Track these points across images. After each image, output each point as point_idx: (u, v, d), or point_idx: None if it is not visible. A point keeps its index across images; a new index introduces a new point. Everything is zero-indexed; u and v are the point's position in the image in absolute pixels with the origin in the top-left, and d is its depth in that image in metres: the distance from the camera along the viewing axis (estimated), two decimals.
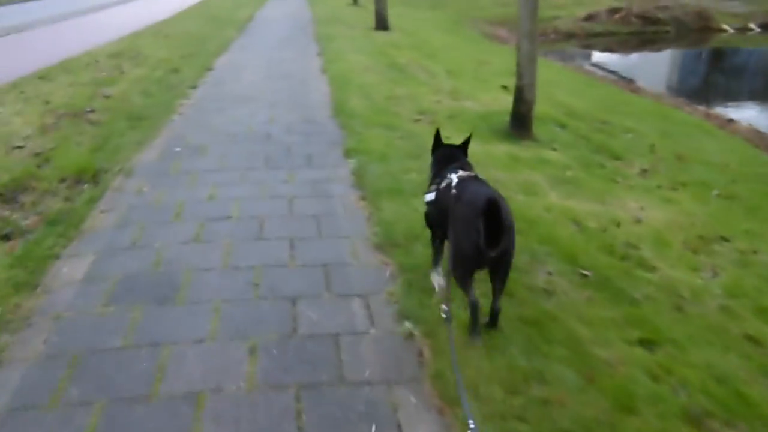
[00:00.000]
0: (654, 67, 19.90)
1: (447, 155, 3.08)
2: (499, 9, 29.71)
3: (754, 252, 4.07)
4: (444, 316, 2.53)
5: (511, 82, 6.48)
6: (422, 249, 3.43)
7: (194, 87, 8.06)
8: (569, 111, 7.63)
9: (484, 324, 2.72)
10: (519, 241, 2.81)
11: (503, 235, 2.40)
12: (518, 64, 6.01)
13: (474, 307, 2.60)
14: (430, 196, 2.96)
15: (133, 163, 5.08)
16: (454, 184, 2.70)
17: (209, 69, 9.38)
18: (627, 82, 12.77)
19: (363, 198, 4.38)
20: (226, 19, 16.70)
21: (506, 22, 27.63)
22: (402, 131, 6.04)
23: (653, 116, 8.37)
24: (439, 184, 2.88)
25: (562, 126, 6.92)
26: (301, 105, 7.07)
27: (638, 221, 4.31)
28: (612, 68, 16.40)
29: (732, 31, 25.76)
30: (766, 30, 25.57)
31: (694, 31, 25.60)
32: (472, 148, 3.21)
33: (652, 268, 3.59)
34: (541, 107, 6.56)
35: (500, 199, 2.51)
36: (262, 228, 3.84)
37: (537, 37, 5.91)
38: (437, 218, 2.92)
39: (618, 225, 4.18)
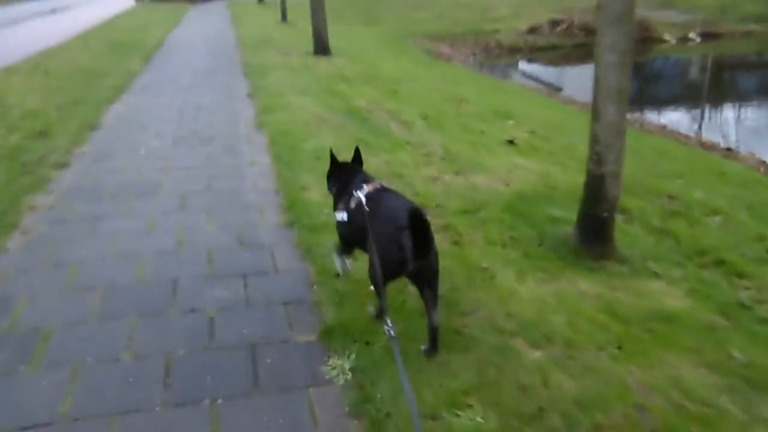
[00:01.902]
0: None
1: (345, 171, 2.99)
2: (435, 23, 28.06)
3: None
4: (388, 334, 2.26)
5: (512, 130, 4.17)
6: None
7: (63, 166, 5.27)
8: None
9: (424, 350, 2.68)
10: None
11: (430, 243, 2.44)
12: (595, 140, 3.65)
13: (381, 311, 2.61)
14: (342, 216, 2.85)
15: None
16: (364, 201, 2.65)
17: (94, 128, 6.55)
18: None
19: None
20: (130, 45, 13.69)
21: (445, 37, 26.07)
22: None
23: (709, 173, 6.26)
24: (348, 202, 2.79)
25: (625, 212, 4.63)
26: (231, 202, 4.46)
27: None
28: (544, 80, 16.12)
29: (674, 41, 25.39)
30: (706, 39, 25.39)
31: (637, 41, 25.16)
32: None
33: None
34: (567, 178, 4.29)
35: (420, 209, 2.47)
36: None
37: (627, 96, 3.57)
38: (353, 236, 2.84)
39: None
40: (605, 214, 3.71)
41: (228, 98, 8.12)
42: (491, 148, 6.24)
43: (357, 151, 3.08)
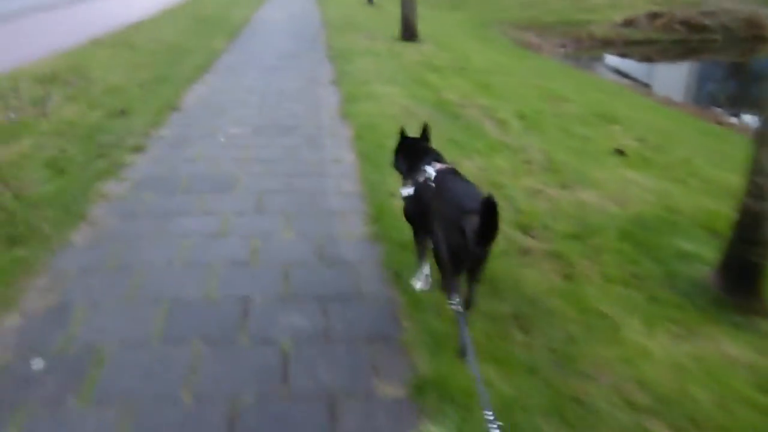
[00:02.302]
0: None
1: (415, 147, 2.91)
2: (523, 12, 26.97)
3: None
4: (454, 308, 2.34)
5: (619, 137, 3.73)
6: None
7: (139, 150, 5.01)
8: None
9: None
10: None
11: (496, 233, 2.29)
12: (758, 170, 2.96)
13: (460, 317, 2.37)
14: (408, 191, 2.80)
15: None
16: (432, 177, 2.62)
17: (174, 109, 6.32)
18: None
19: None
20: (216, 22, 13.61)
21: (532, 26, 25.00)
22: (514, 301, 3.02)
23: None
24: (416, 178, 2.73)
25: None
26: (311, 206, 4.03)
27: None
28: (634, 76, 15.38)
29: None
30: None
31: (745, 39, 23.36)
32: None
33: None
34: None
35: (493, 197, 2.24)
36: None
37: None
38: (417, 214, 2.77)
39: None
40: (759, 260, 3.03)
41: (311, 83, 7.73)
42: (598, 158, 5.56)
43: (425, 129, 2.99)
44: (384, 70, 8.61)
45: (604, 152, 5.77)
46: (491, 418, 1.83)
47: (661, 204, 4.46)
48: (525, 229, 3.83)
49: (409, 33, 11.81)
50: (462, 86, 8.01)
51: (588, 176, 4.89)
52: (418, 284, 2.96)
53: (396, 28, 12.21)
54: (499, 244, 3.59)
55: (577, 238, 3.78)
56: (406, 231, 3.56)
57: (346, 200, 4.12)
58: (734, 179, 5.66)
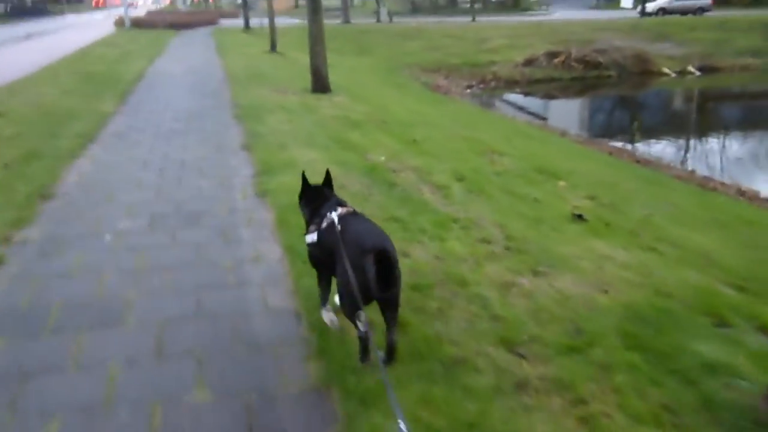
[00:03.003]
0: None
1: (317, 194, 3.04)
2: (429, 55, 27.33)
3: None
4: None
5: (568, 195, 3.94)
6: None
7: None
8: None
9: (381, 358, 2.51)
10: None
11: (395, 279, 2.47)
12: None
13: (365, 338, 2.62)
14: (312, 237, 2.89)
15: None
16: (336, 222, 2.70)
17: (47, 197, 5.08)
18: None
19: None
20: (106, 79, 12.28)
21: (440, 68, 25.26)
22: None
23: None
24: (320, 224, 2.83)
25: None
26: (232, 341, 2.98)
27: None
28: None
29: (673, 74, 25.12)
30: (706, 72, 25.20)
31: (636, 74, 24.95)
32: None
33: None
34: None
35: (390, 245, 2.56)
36: None
37: None
38: (321, 258, 2.89)
39: None
40: None
41: (218, 151, 6.71)
42: (557, 227, 4.91)
43: (327, 174, 3.13)
44: (300, 129, 7.75)
45: (561, 218, 5.14)
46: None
47: (647, 285, 3.82)
48: (510, 345, 3.02)
49: (320, 84, 11.07)
50: (388, 144, 7.28)
51: (556, 254, 4.19)
52: (325, 318, 3.04)
53: (305, 77, 11.46)
54: (488, 377, 2.76)
55: (575, 351, 3.01)
56: (368, 372, 2.65)
57: (276, 323, 3.15)
58: (701, 240, 5.20)
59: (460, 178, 5.97)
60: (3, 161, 6.01)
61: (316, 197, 3.01)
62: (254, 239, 4.24)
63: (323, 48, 10.89)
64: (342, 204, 2.92)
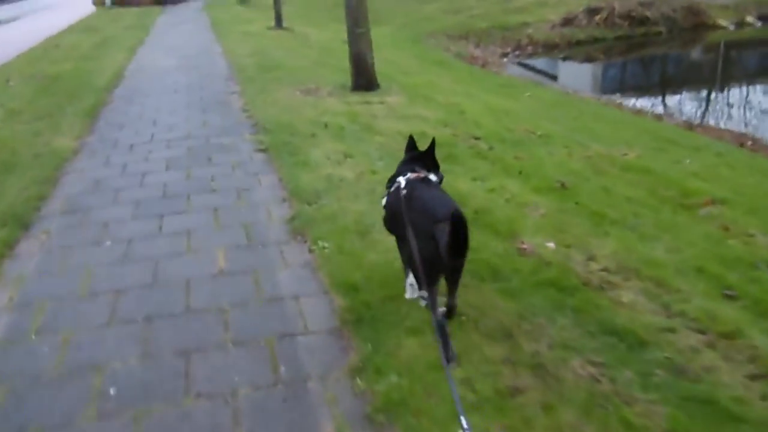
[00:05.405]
0: None
1: (411, 159, 2.91)
2: (450, 18, 24.10)
3: None
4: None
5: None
6: None
7: None
8: None
9: (442, 313, 2.54)
10: None
11: (465, 246, 2.38)
12: None
13: (440, 327, 2.36)
14: (383, 201, 2.87)
15: None
16: (402, 186, 2.65)
17: None
18: None
19: None
20: (71, 85, 9.13)
21: (467, 35, 22.15)
22: None
23: None
24: (390, 188, 2.81)
25: None
26: None
27: None
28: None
29: (731, 27, 22.05)
30: (767, 23, 22.24)
31: (688, 29, 21.94)
32: None
33: None
34: None
35: (460, 210, 2.41)
36: None
37: None
38: (391, 223, 2.82)
39: None
40: None
41: (249, 240, 3.73)
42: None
43: (432, 143, 2.91)
44: (369, 172, 4.74)
45: None
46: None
47: None
48: None
49: (365, 79, 7.98)
50: (520, 194, 4.28)
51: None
52: (407, 294, 2.84)
53: (329, 64, 8.53)
54: None
55: None
56: None
57: None
58: None
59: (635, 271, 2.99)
60: None
61: (407, 162, 2.87)
62: None
63: (368, 29, 7.79)
64: (416, 171, 2.74)
